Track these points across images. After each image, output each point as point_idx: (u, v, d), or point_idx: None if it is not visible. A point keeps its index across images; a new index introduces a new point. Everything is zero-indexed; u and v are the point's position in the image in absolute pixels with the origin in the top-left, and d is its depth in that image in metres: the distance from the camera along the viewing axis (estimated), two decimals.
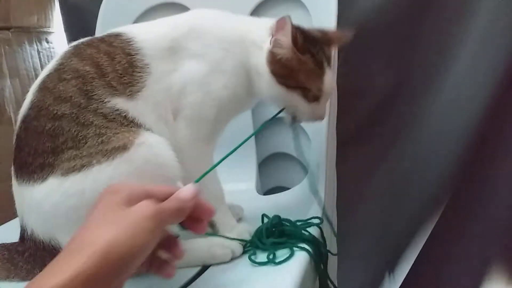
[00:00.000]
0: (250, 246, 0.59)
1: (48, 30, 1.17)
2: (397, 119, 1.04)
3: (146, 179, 0.52)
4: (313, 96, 0.61)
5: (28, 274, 0.53)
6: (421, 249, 1.04)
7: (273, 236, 0.60)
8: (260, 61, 0.61)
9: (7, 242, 0.57)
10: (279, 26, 0.59)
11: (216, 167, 0.60)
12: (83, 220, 0.48)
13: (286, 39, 0.58)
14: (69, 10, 1.14)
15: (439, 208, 1.03)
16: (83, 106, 0.53)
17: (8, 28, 1.03)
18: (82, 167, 0.50)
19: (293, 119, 0.63)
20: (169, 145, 0.55)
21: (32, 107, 0.55)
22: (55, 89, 0.54)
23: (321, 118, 0.63)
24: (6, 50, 1.03)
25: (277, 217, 0.62)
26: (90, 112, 0.53)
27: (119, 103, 0.55)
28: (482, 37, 0.93)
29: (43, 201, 0.51)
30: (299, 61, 0.59)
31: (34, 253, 0.53)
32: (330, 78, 0.61)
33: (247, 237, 0.60)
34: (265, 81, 0.61)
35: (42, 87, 0.55)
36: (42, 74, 0.57)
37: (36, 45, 1.12)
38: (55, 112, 0.53)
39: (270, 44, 0.60)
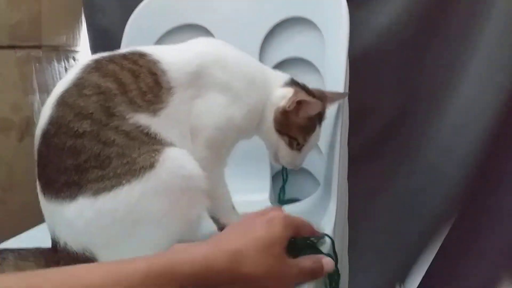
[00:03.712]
0: None
1: (75, 49, 1.24)
2: (406, 136, 1.06)
3: (173, 191, 0.54)
4: (296, 143, 0.69)
5: None
6: (430, 264, 1.05)
7: None
8: (269, 107, 0.68)
9: (41, 246, 0.58)
10: (306, 105, 0.66)
11: (231, 179, 0.66)
12: (117, 236, 0.52)
13: (303, 113, 0.67)
14: (95, 30, 1.20)
15: (447, 224, 1.04)
16: (104, 123, 0.53)
17: (39, 47, 1.10)
18: (112, 187, 0.51)
19: (275, 159, 0.72)
20: (191, 156, 0.57)
21: (51, 122, 0.54)
22: (75, 105, 0.53)
23: (296, 167, 0.72)
24: (37, 67, 1.09)
25: None
26: (111, 129, 0.53)
27: (141, 118, 0.55)
28: (489, 57, 0.96)
29: (76, 220, 0.52)
30: (299, 121, 0.68)
31: (69, 263, 0.52)
32: (317, 135, 0.70)
33: None
34: (265, 123, 0.69)
35: (61, 102, 0.54)
36: (60, 87, 0.56)
37: (64, 62, 1.19)
38: (75, 129, 0.52)
39: (288, 103, 0.67)
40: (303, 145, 0.70)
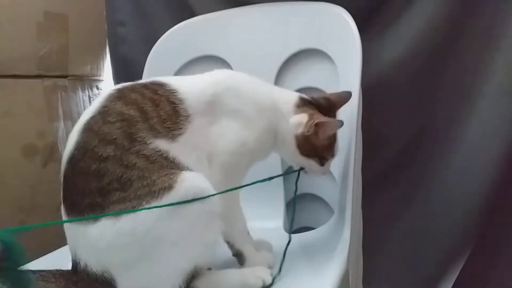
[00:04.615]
0: None
1: (99, 79, 1.29)
2: (421, 163, 1.06)
3: (190, 213, 0.55)
4: (326, 160, 0.72)
5: None
6: None
7: None
8: (287, 133, 0.70)
9: (62, 268, 0.60)
10: (323, 126, 0.68)
11: (246, 205, 0.67)
12: (136, 257, 0.54)
13: (322, 134, 0.69)
14: (119, 61, 1.26)
15: (465, 252, 1.02)
16: (126, 148, 0.56)
17: (65, 76, 1.15)
18: (132, 208, 0.53)
19: (304, 172, 0.74)
20: (206, 178, 0.59)
21: (77, 147, 0.57)
22: (100, 131, 0.57)
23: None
24: (63, 95, 1.14)
25: None
26: (133, 153, 0.56)
27: (161, 144, 0.58)
28: (501, 86, 0.96)
29: (97, 240, 0.54)
30: (322, 142, 0.70)
31: (87, 284, 0.56)
32: (338, 143, 0.73)
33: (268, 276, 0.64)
34: (288, 149, 0.71)
35: (87, 129, 0.58)
36: (86, 116, 0.60)
37: (88, 91, 1.24)
38: (100, 153, 0.56)
39: (306, 128, 0.68)
40: (331, 159, 0.73)
